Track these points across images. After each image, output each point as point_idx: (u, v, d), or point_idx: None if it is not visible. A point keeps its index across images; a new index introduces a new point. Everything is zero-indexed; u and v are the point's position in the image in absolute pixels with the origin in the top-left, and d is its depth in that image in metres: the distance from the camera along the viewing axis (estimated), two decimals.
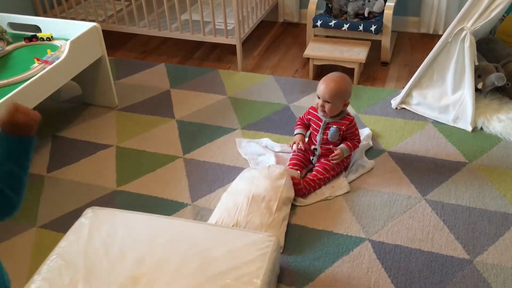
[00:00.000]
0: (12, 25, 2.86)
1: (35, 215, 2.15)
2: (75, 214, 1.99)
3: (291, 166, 2.29)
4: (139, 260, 1.66)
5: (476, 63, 2.54)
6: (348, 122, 2.24)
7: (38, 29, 2.84)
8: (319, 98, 2.22)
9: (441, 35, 2.62)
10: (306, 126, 2.38)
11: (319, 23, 3.15)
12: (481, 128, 2.56)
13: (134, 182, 2.34)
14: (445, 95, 2.64)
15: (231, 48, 3.40)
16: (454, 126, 2.59)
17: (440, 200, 2.14)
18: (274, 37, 3.73)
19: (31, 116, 1.03)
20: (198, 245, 1.72)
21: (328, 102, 2.19)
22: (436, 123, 2.63)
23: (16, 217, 2.12)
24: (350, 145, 2.26)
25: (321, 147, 2.30)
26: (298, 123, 2.39)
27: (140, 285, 1.59)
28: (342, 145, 2.26)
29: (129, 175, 2.38)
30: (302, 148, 2.30)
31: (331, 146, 2.25)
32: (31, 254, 1.97)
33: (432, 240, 1.96)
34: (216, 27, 3.25)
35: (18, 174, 1.03)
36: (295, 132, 2.37)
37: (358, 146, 2.30)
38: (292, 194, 2.12)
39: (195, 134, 2.65)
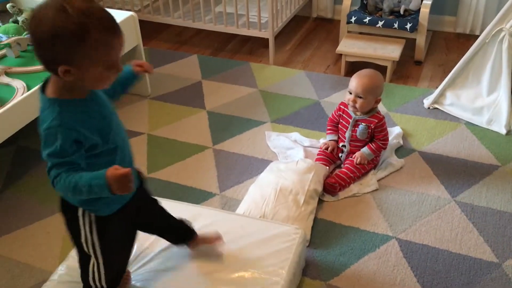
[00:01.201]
0: None
1: None
2: None
3: (318, 162, 2.29)
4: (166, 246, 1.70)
5: None
6: (377, 121, 2.22)
7: None
8: (350, 93, 2.21)
9: (477, 36, 2.58)
10: (337, 128, 2.37)
11: (353, 19, 3.13)
12: None
13: (164, 170, 2.38)
14: (479, 97, 2.60)
15: (263, 42, 3.41)
16: (487, 129, 2.54)
17: (470, 202, 2.11)
18: (306, 32, 3.72)
19: (128, 189, 1.12)
20: (225, 235, 1.75)
21: (360, 97, 2.18)
22: (469, 124, 2.59)
23: (50, 199, 2.18)
24: (374, 147, 2.23)
25: (350, 144, 2.29)
26: (329, 127, 2.38)
27: (167, 270, 1.63)
28: (364, 149, 2.24)
29: (159, 162, 2.42)
30: (333, 153, 2.31)
31: (354, 154, 2.25)
32: (63, 235, 2.03)
33: (460, 242, 1.93)
34: (250, 20, 3.26)
35: (79, 190, 1.13)
36: (327, 138, 2.37)
37: (383, 148, 2.26)
38: (319, 188, 2.12)
39: (225, 125, 2.67)
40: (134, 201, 1.39)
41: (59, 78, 1.13)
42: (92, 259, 1.38)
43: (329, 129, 2.38)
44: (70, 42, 1.06)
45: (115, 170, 1.10)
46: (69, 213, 1.33)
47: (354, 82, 2.19)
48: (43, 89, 1.20)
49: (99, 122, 1.22)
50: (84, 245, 1.35)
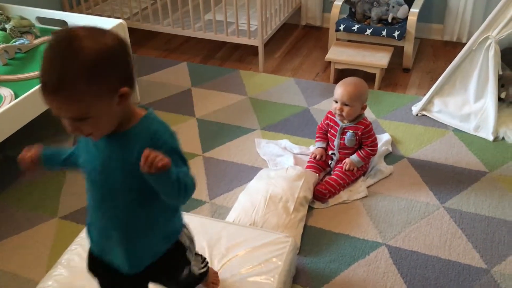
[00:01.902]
0: (40, 19, 2.92)
1: (57, 207, 2.19)
2: None
3: (308, 169, 2.29)
4: None
5: (500, 72, 2.52)
6: (363, 127, 2.23)
7: (65, 24, 2.90)
8: (336, 102, 2.22)
9: (464, 44, 2.61)
10: (326, 136, 2.38)
11: (342, 27, 3.15)
12: (503, 138, 2.53)
13: None
14: (467, 104, 2.63)
15: (252, 49, 3.42)
16: (475, 135, 2.57)
17: (458, 208, 2.13)
18: (296, 39, 3.74)
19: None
20: (215, 243, 1.74)
21: (347, 105, 2.19)
22: (457, 131, 2.61)
23: (38, 207, 2.16)
24: (363, 154, 2.24)
25: (339, 152, 2.30)
26: (318, 135, 2.39)
27: None
28: (353, 156, 2.26)
29: None
30: (323, 160, 2.32)
31: (344, 161, 2.26)
32: (52, 244, 2.01)
33: (449, 248, 1.94)
34: (239, 28, 3.27)
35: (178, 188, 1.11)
36: (316, 146, 2.38)
37: (372, 154, 2.27)
38: (309, 195, 2.13)
39: (214, 133, 2.67)
40: None
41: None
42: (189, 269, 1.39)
43: (318, 137, 2.39)
44: (126, 60, 1.05)
45: None
46: (173, 252, 1.30)
47: (340, 91, 2.20)
48: None
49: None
50: (192, 260, 1.36)
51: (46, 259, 1.94)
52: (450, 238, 1.99)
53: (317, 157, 2.33)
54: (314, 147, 2.41)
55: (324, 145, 2.37)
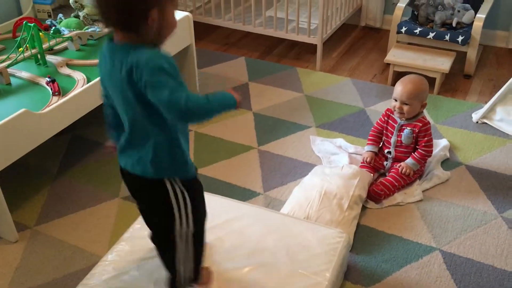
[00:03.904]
0: None
1: (119, 187, 2.30)
2: None
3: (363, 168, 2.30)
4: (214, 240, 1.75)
5: None
6: (421, 124, 2.22)
7: None
8: (396, 100, 2.22)
9: None
10: (379, 139, 2.38)
11: (404, 29, 3.12)
12: None
13: (210, 167, 2.44)
14: None
15: (310, 47, 3.44)
16: None
17: None
18: (354, 40, 3.73)
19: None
20: (272, 233, 1.79)
21: (406, 103, 2.18)
22: None
23: (102, 186, 2.28)
24: (417, 156, 2.23)
25: (395, 149, 2.29)
26: (371, 137, 2.38)
27: (213, 264, 1.68)
28: (408, 160, 2.24)
29: (205, 159, 2.48)
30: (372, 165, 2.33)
31: (400, 164, 2.25)
32: (113, 221, 2.11)
33: (506, 259, 1.91)
34: (300, 25, 3.30)
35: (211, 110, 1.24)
36: (366, 149, 2.38)
37: (427, 156, 2.24)
38: (364, 194, 2.14)
39: (270, 127, 2.71)
40: None
41: (138, 35, 1.19)
42: (184, 228, 1.41)
43: (370, 139, 2.39)
44: None
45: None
46: (153, 188, 1.36)
47: (399, 89, 2.20)
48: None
49: None
50: (177, 214, 1.38)
51: (108, 236, 2.04)
52: (507, 248, 1.95)
53: (367, 160, 2.32)
54: (364, 149, 2.41)
55: (375, 149, 2.36)
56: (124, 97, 1.25)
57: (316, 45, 3.26)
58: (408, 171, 2.22)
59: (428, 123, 2.24)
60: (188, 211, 1.39)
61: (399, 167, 2.25)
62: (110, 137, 1.48)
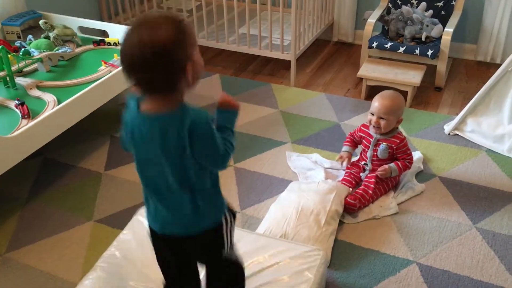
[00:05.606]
0: (82, 29, 3.03)
1: (92, 210, 2.25)
2: (130, 211, 2.08)
3: (343, 182, 2.31)
4: None
5: None
6: (398, 141, 2.25)
7: (104, 33, 2.99)
8: (372, 115, 2.24)
9: (498, 64, 2.61)
10: (355, 144, 2.41)
11: (375, 44, 3.18)
12: None
13: None
14: (501, 125, 2.61)
15: (284, 64, 3.47)
16: (508, 157, 2.54)
17: (491, 229, 2.11)
18: (327, 55, 3.77)
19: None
20: (247, 255, 1.76)
21: (383, 118, 2.21)
22: (490, 152, 2.59)
23: (74, 210, 2.23)
24: (401, 165, 2.26)
25: (372, 163, 2.31)
26: (347, 140, 2.42)
27: None
28: (391, 164, 2.27)
29: None
30: (348, 165, 2.34)
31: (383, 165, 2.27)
32: (87, 246, 2.06)
33: (481, 269, 1.93)
34: (273, 42, 3.32)
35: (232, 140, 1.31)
36: (343, 149, 2.40)
37: (409, 167, 2.29)
38: (340, 209, 2.14)
39: (246, 144, 2.71)
40: None
41: (172, 93, 1.21)
42: (229, 248, 1.43)
43: (346, 142, 2.42)
44: (184, 38, 1.16)
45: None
46: (212, 233, 1.36)
47: (376, 104, 2.22)
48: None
49: None
50: (226, 240, 1.39)
51: (82, 261, 1.99)
52: (482, 259, 1.97)
53: (344, 161, 2.33)
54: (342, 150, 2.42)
55: (351, 150, 2.39)
56: (174, 160, 1.23)
57: (289, 61, 3.29)
58: (384, 173, 2.23)
59: (404, 138, 2.27)
60: (232, 231, 1.42)
61: (378, 170, 2.25)
62: None
